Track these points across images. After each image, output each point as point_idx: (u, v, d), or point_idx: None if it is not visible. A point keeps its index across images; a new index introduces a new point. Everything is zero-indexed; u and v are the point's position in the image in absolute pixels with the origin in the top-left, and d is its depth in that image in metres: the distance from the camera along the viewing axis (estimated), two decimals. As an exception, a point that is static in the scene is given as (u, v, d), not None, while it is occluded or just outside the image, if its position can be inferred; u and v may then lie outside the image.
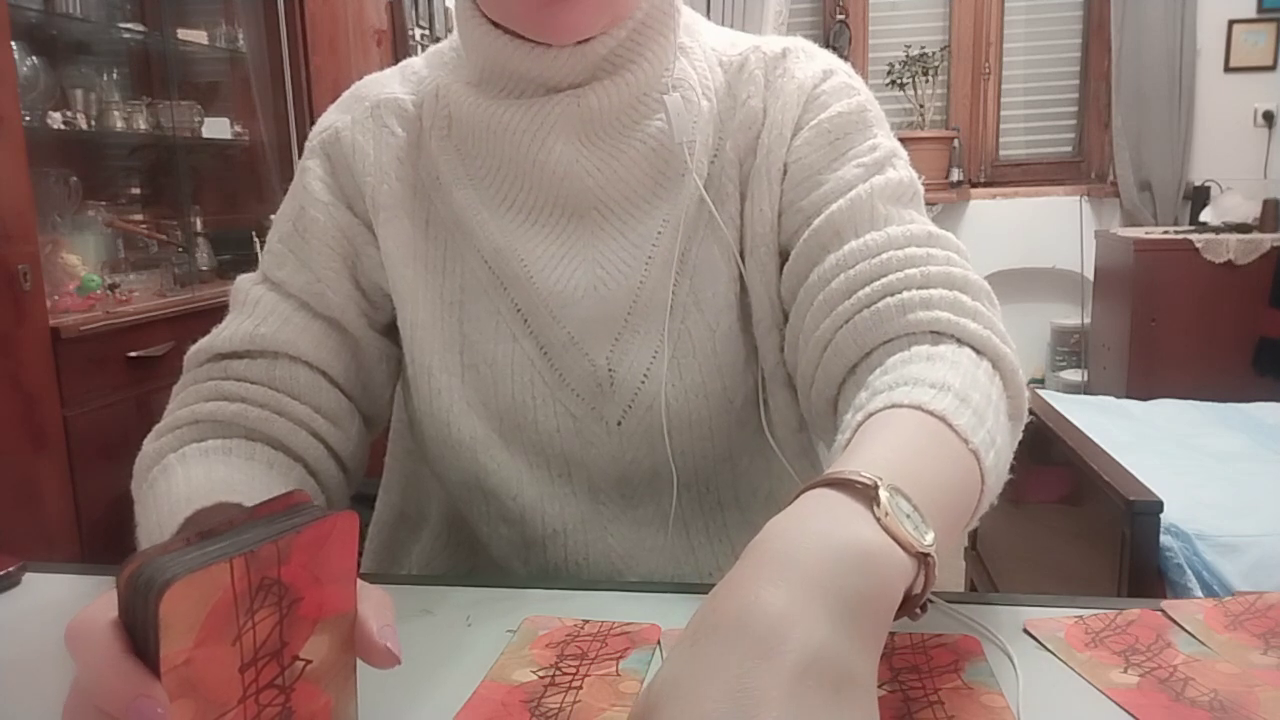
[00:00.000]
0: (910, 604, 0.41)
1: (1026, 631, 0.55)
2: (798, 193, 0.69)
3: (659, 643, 0.55)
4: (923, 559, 0.40)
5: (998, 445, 0.52)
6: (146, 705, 0.35)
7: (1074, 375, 3.90)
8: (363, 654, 0.43)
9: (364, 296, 0.75)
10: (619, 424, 0.72)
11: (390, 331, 0.77)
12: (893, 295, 0.60)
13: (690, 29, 0.73)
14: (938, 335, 0.58)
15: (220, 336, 0.72)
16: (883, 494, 0.40)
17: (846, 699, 0.33)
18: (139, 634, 0.36)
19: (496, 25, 0.67)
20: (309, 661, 0.41)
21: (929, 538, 0.41)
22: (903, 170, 0.68)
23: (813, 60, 0.72)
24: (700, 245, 0.71)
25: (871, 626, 0.37)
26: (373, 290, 0.75)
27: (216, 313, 0.75)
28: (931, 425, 0.49)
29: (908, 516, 0.41)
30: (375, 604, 0.44)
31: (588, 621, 0.57)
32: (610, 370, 0.71)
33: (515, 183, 0.70)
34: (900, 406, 0.50)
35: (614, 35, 0.66)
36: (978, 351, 0.57)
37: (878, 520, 0.40)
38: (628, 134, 0.68)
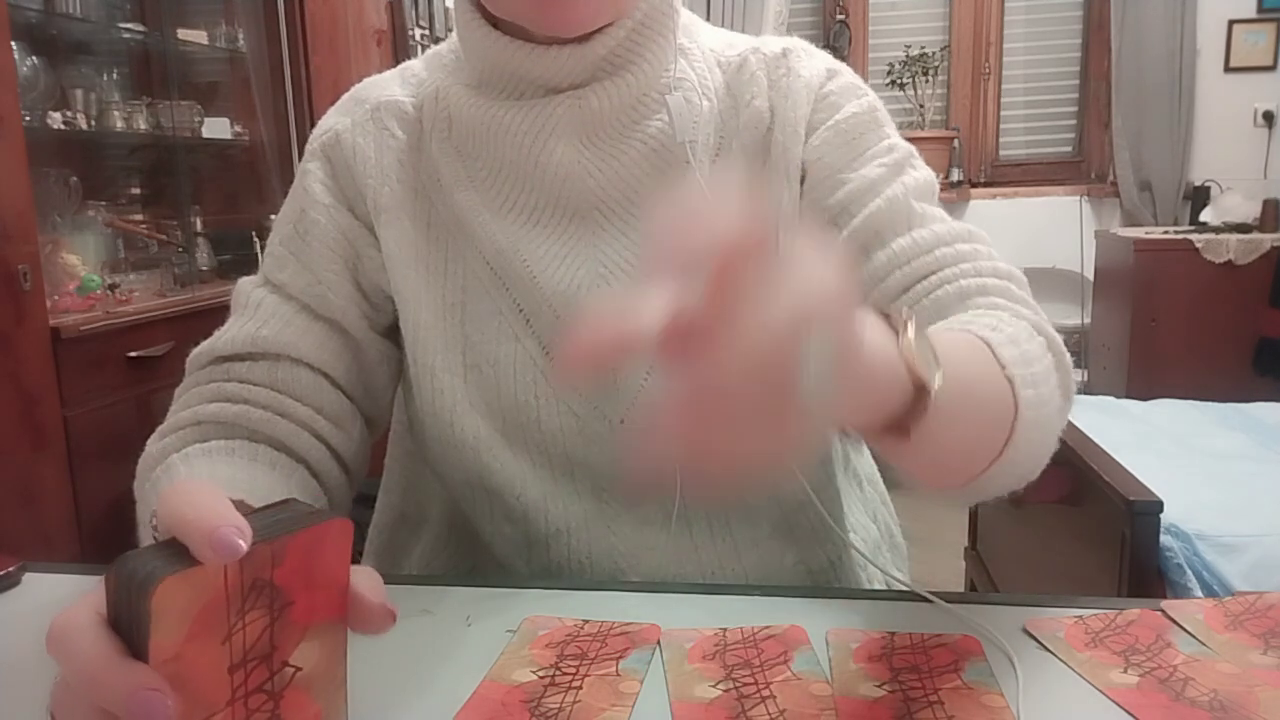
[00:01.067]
0: (897, 429, 0.44)
1: (1026, 631, 0.55)
2: (819, 192, 0.71)
3: (659, 643, 0.55)
4: (922, 389, 0.43)
5: (1041, 395, 0.54)
6: (152, 698, 0.34)
7: (1074, 375, 3.90)
8: (358, 619, 0.43)
9: (365, 299, 0.75)
10: (622, 422, 0.72)
11: (391, 333, 0.77)
12: (950, 284, 0.63)
13: (688, 30, 0.74)
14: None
15: (222, 339, 0.72)
16: (911, 327, 0.44)
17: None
18: (127, 630, 0.36)
19: (496, 27, 0.67)
20: (299, 669, 0.41)
21: (938, 379, 0.43)
22: (923, 169, 0.72)
23: (813, 58, 0.74)
24: None
25: (862, 374, 0.39)
26: (374, 292, 0.75)
27: (216, 313, 0.75)
28: (975, 343, 0.52)
29: (925, 355, 0.43)
30: (367, 575, 0.44)
31: (588, 621, 0.57)
32: (613, 369, 0.71)
33: (516, 184, 0.70)
34: (950, 331, 0.54)
35: (613, 35, 0.66)
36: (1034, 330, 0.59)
37: (898, 338, 0.43)
38: (628, 134, 0.69)
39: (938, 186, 0.72)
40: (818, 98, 0.72)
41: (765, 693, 0.49)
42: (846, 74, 0.74)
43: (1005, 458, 0.53)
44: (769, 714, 0.47)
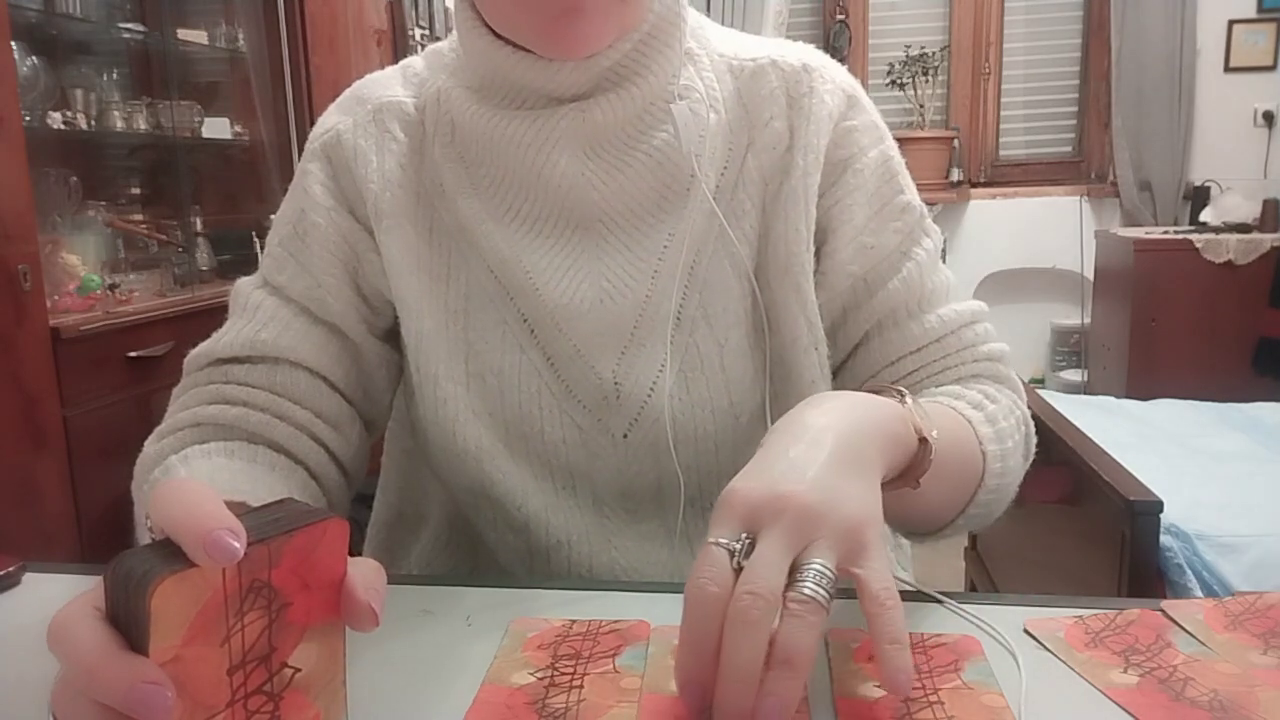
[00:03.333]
0: (909, 476, 0.57)
1: (1026, 631, 0.55)
2: (841, 253, 0.71)
3: (649, 639, 0.55)
4: (924, 443, 0.56)
5: (1006, 465, 0.67)
6: (151, 691, 0.34)
7: (1074, 375, 3.90)
8: (345, 611, 0.43)
9: (365, 303, 0.74)
10: (625, 436, 0.72)
11: (390, 337, 0.76)
12: (953, 369, 0.72)
13: (697, 34, 0.72)
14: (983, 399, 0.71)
15: (221, 341, 0.72)
16: (908, 398, 0.58)
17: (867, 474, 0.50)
18: (125, 630, 0.36)
19: (499, 35, 0.65)
20: (298, 670, 0.41)
21: (935, 431, 0.57)
22: (933, 233, 0.74)
23: (834, 79, 0.73)
24: (710, 259, 0.71)
25: (882, 449, 0.52)
26: (374, 296, 0.74)
27: (216, 313, 0.75)
28: (960, 419, 0.65)
29: (923, 415, 0.57)
30: (366, 568, 0.44)
31: (575, 621, 0.57)
32: (616, 383, 0.71)
33: (519, 194, 0.69)
34: (942, 404, 0.67)
35: (618, 48, 0.64)
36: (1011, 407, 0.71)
37: (901, 403, 0.58)
38: (632, 146, 0.67)
39: (942, 243, 0.76)
40: (838, 129, 0.71)
41: None
42: (865, 104, 0.74)
43: (965, 514, 0.67)
44: None
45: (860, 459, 0.50)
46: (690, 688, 0.43)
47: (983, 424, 0.66)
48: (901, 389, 0.59)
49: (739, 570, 0.43)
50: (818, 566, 0.43)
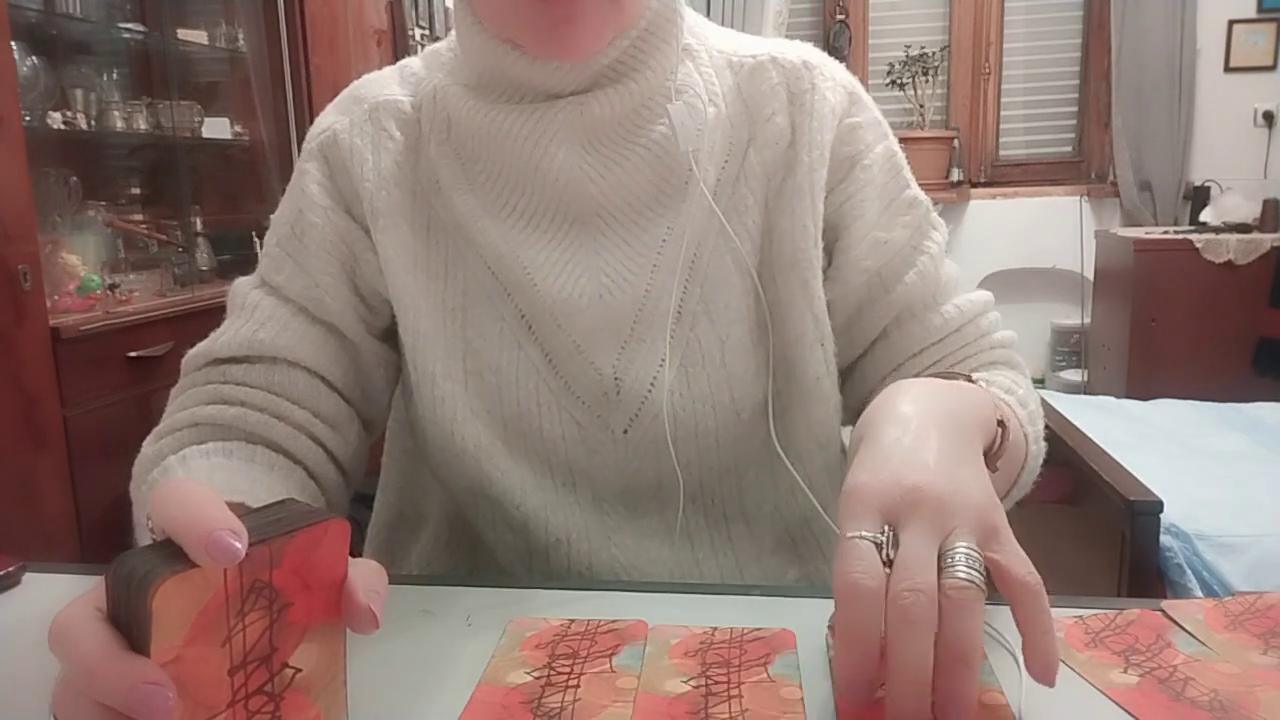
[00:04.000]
0: (990, 460, 0.55)
1: (1027, 631, 0.55)
2: (848, 240, 0.72)
3: (647, 638, 0.55)
4: (1002, 425, 0.57)
5: (1041, 448, 0.69)
6: (152, 691, 0.34)
7: (1074, 375, 3.90)
8: (346, 616, 0.43)
9: (363, 302, 0.74)
10: (625, 432, 0.72)
11: (389, 337, 0.76)
12: (973, 358, 0.73)
13: (694, 31, 0.73)
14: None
15: (219, 341, 0.72)
16: (980, 382, 0.59)
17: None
18: (127, 630, 0.36)
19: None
20: (299, 670, 0.41)
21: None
22: (939, 227, 0.75)
23: (835, 76, 0.73)
24: (711, 254, 0.71)
25: (978, 433, 0.53)
26: (371, 295, 0.74)
27: (216, 313, 0.75)
28: (1003, 404, 0.64)
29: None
30: (367, 569, 0.44)
31: (573, 621, 0.57)
32: (616, 379, 0.71)
33: (517, 189, 0.69)
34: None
35: (616, 45, 0.65)
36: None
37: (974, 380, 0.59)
38: (630, 141, 0.67)
39: (947, 235, 0.77)
40: (842, 126, 0.72)
41: (734, 692, 0.49)
42: (866, 101, 0.74)
43: (1009, 496, 0.66)
44: (729, 713, 0.47)
45: (967, 444, 0.50)
46: (855, 687, 0.42)
47: (1018, 407, 0.67)
48: (968, 374, 0.60)
49: (887, 563, 0.42)
50: (965, 551, 0.42)
